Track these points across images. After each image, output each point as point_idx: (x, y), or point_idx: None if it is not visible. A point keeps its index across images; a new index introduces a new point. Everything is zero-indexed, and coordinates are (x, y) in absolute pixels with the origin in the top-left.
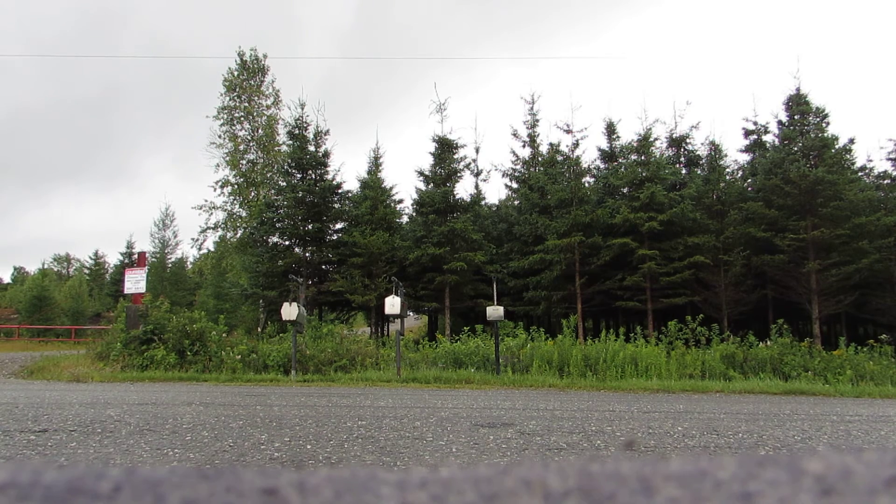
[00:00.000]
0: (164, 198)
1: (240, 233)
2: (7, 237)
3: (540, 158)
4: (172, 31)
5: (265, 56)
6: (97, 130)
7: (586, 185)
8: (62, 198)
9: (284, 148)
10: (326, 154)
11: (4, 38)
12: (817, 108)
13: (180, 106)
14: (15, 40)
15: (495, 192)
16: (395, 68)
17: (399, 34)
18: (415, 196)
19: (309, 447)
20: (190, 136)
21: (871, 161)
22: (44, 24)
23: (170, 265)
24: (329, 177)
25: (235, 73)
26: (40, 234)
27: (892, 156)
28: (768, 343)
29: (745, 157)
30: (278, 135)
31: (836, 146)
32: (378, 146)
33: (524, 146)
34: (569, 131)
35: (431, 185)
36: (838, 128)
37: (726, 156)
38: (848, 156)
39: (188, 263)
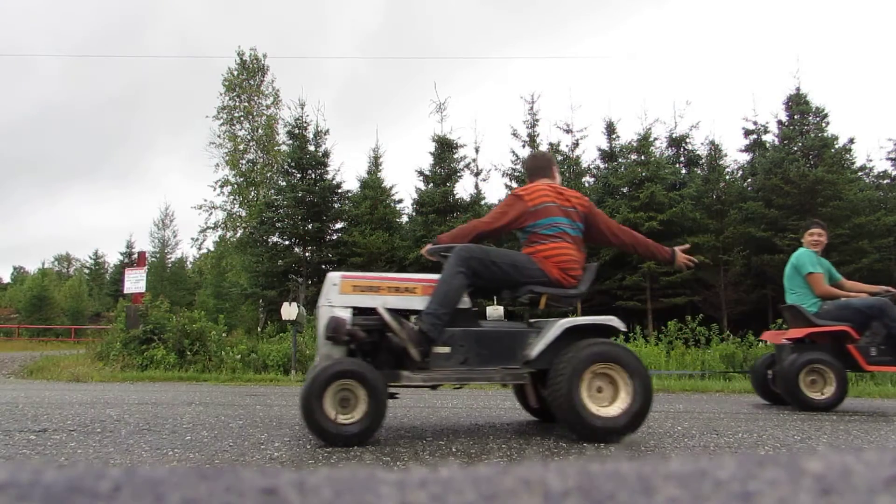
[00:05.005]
0: (165, 197)
1: (239, 232)
2: (11, 237)
3: None
4: (200, 32)
5: (265, 56)
6: (116, 129)
7: (586, 184)
8: (73, 197)
9: (284, 148)
10: (326, 154)
11: (33, 39)
12: (817, 108)
13: (200, 104)
14: (43, 40)
15: (495, 192)
16: (406, 68)
17: (422, 34)
18: (414, 196)
19: (309, 447)
20: (205, 136)
21: (870, 161)
22: (73, 23)
23: (170, 265)
24: (329, 176)
25: (235, 73)
26: (46, 234)
27: (891, 155)
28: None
29: (745, 157)
30: (278, 134)
31: (836, 146)
32: (378, 146)
33: (524, 146)
34: (569, 131)
35: (431, 184)
36: (838, 128)
37: (726, 156)
38: (848, 155)
39: (188, 263)
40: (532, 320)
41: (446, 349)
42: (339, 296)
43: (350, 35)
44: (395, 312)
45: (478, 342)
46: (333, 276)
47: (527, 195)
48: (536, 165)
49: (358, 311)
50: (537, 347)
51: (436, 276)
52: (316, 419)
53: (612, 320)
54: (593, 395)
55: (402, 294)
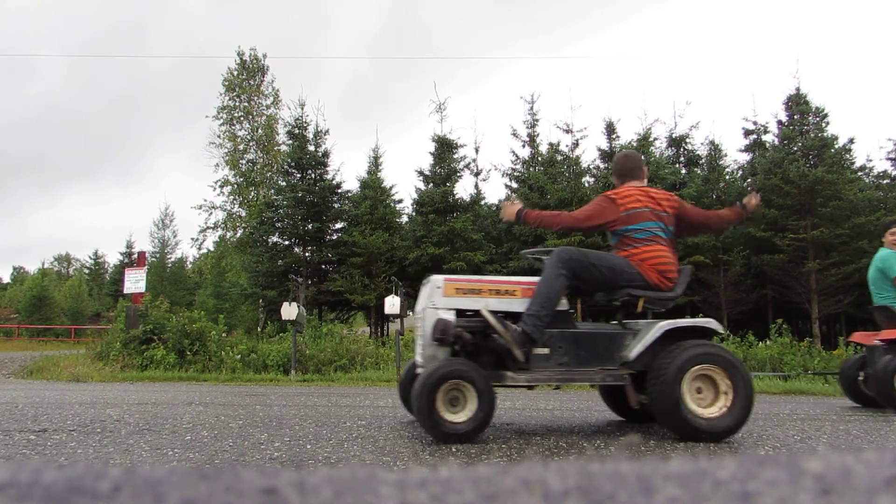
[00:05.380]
0: (165, 197)
1: (239, 233)
2: (11, 237)
3: (540, 158)
4: (202, 32)
5: (265, 56)
6: (116, 129)
7: (586, 184)
8: (73, 197)
9: (284, 148)
10: (326, 154)
11: (35, 39)
12: (817, 108)
13: (201, 105)
14: (45, 40)
15: (495, 192)
16: (407, 68)
17: (424, 34)
18: (414, 196)
19: (309, 447)
20: (205, 136)
21: (870, 161)
22: (75, 23)
23: (170, 265)
24: (329, 176)
25: (235, 73)
26: (46, 234)
27: (891, 156)
28: (768, 343)
29: (744, 157)
30: (278, 134)
31: (836, 146)
32: (378, 146)
33: (524, 146)
34: (569, 131)
35: (431, 184)
36: (838, 128)
37: (726, 156)
38: (847, 155)
39: (188, 263)
40: (625, 321)
41: (545, 350)
42: (443, 298)
43: (352, 35)
44: (496, 314)
45: (576, 343)
46: (437, 279)
47: (619, 199)
48: (627, 167)
49: (457, 313)
50: (636, 349)
51: (535, 279)
52: (430, 417)
53: (712, 322)
54: (693, 396)
55: (503, 297)
